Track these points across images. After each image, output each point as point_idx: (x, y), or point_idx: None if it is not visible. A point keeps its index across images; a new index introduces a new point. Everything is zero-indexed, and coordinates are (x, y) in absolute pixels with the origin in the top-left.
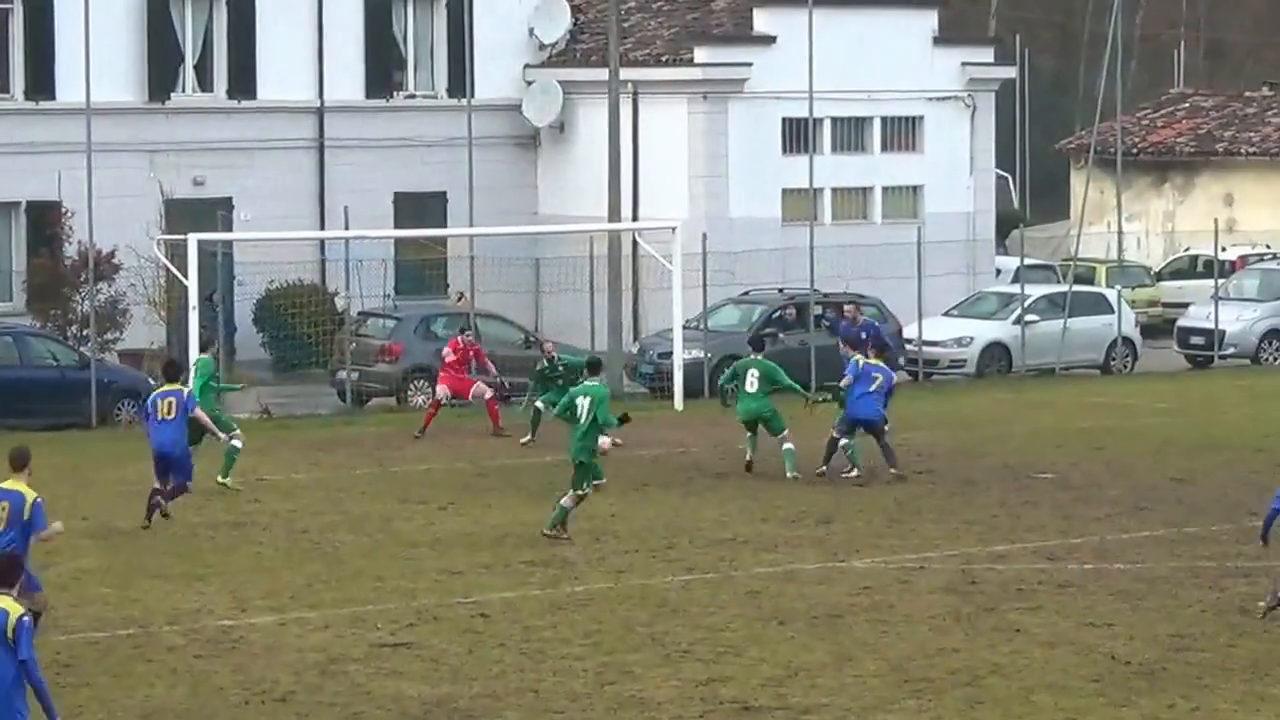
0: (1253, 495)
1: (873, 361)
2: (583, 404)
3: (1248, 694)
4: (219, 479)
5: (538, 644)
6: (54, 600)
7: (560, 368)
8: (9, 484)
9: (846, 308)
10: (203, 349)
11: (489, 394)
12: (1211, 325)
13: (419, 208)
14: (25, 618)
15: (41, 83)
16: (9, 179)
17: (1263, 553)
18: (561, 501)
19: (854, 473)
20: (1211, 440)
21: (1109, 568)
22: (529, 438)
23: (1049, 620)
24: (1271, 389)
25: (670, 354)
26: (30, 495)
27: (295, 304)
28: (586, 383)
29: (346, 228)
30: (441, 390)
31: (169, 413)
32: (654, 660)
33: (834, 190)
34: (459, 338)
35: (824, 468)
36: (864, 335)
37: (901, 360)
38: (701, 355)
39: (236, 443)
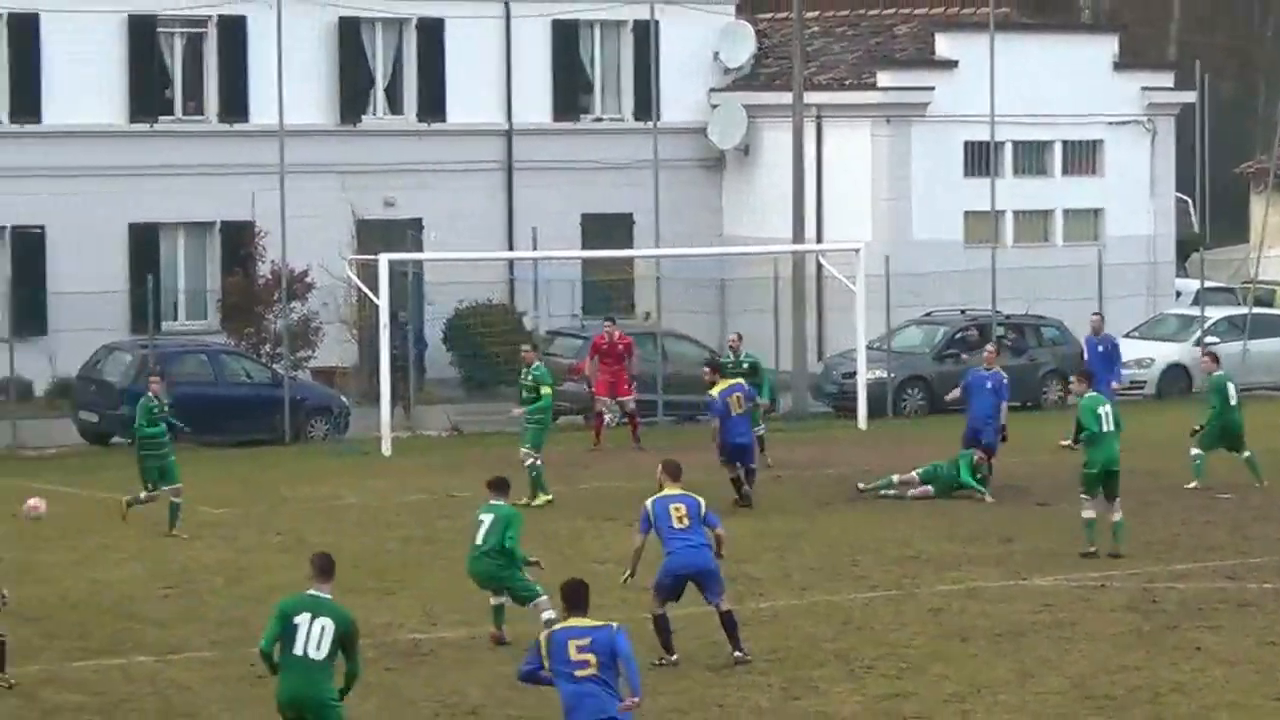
0: None
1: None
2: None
3: None
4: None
5: (723, 659)
6: (248, 615)
7: (531, 378)
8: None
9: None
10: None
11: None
12: None
13: (605, 229)
14: None
15: (235, 105)
16: (204, 200)
17: None
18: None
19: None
20: None
21: None
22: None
23: (1229, 639)
24: None
25: (854, 374)
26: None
27: (484, 323)
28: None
29: (534, 248)
30: (600, 402)
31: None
32: (838, 676)
33: (1015, 213)
34: (604, 332)
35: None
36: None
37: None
38: (885, 375)
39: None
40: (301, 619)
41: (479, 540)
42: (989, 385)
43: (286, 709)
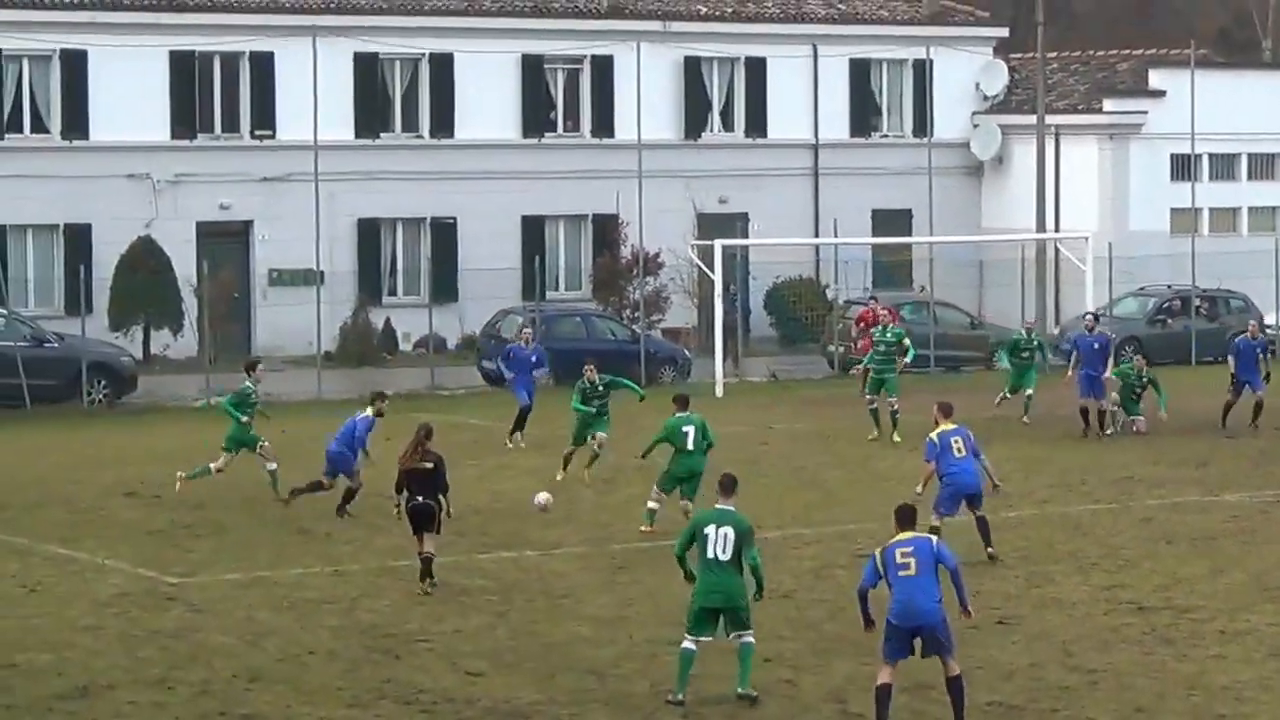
0: None
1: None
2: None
3: None
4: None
5: (979, 558)
6: (612, 519)
7: (600, 387)
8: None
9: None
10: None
11: None
12: None
13: (890, 221)
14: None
15: (604, 124)
16: (579, 198)
17: None
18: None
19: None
20: None
21: None
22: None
23: None
24: None
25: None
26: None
27: (796, 294)
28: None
29: (835, 236)
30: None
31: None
32: (1069, 570)
33: (1210, 209)
34: (867, 307)
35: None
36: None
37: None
38: (1109, 335)
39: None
40: (710, 529)
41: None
42: (1257, 350)
43: (704, 603)
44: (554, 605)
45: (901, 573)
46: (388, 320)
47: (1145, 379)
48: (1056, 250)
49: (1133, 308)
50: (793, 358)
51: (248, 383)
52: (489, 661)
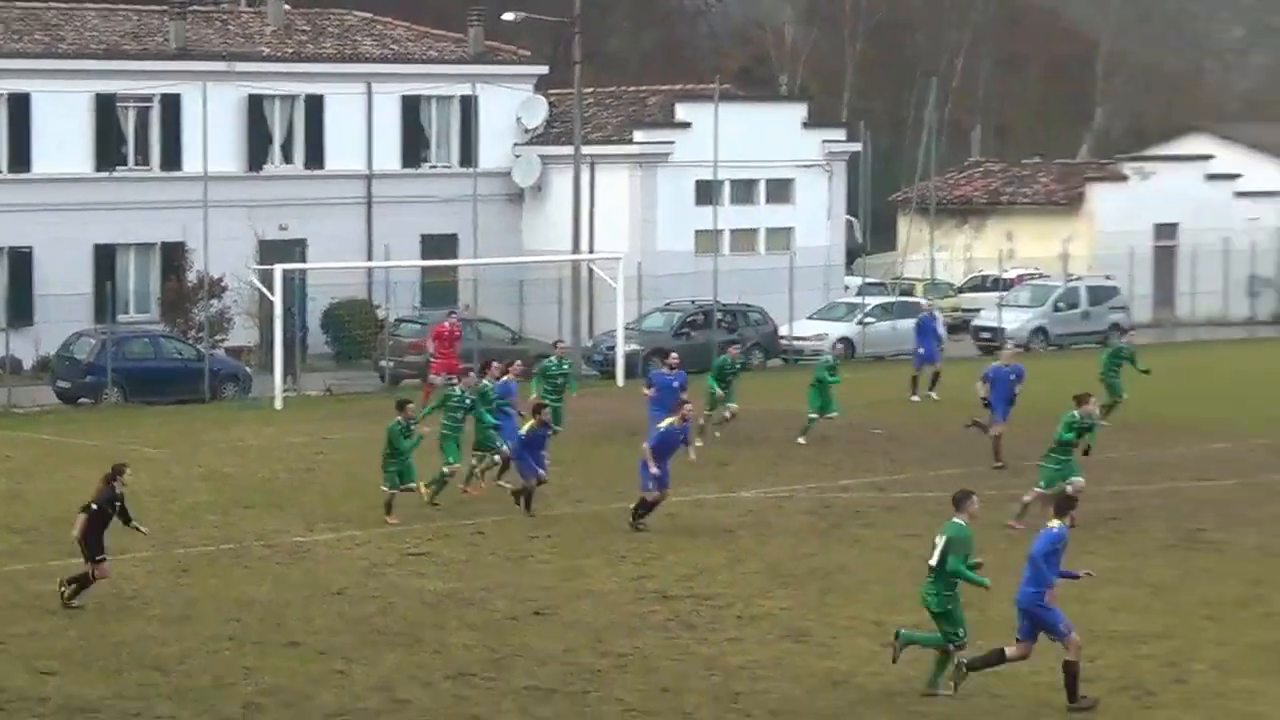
0: (1030, 447)
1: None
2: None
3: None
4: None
5: (520, 553)
6: (174, 526)
7: (566, 367)
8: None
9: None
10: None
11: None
12: (997, 324)
13: (438, 245)
14: None
15: (170, 158)
16: (148, 226)
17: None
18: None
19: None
20: None
21: (922, 495)
22: None
23: (879, 533)
24: (1037, 369)
25: (614, 346)
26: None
27: (350, 314)
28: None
29: (387, 259)
30: (434, 377)
31: None
32: (601, 564)
33: (731, 231)
34: (445, 322)
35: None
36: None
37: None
38: (637, 348)
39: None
40: (939, 537)
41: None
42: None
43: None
44: (123, 606)
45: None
46: None
47: (739, 366)
48: (590, 270)
49: (659, 322)
50: (347, 373)
51: None
52: (61, 660)
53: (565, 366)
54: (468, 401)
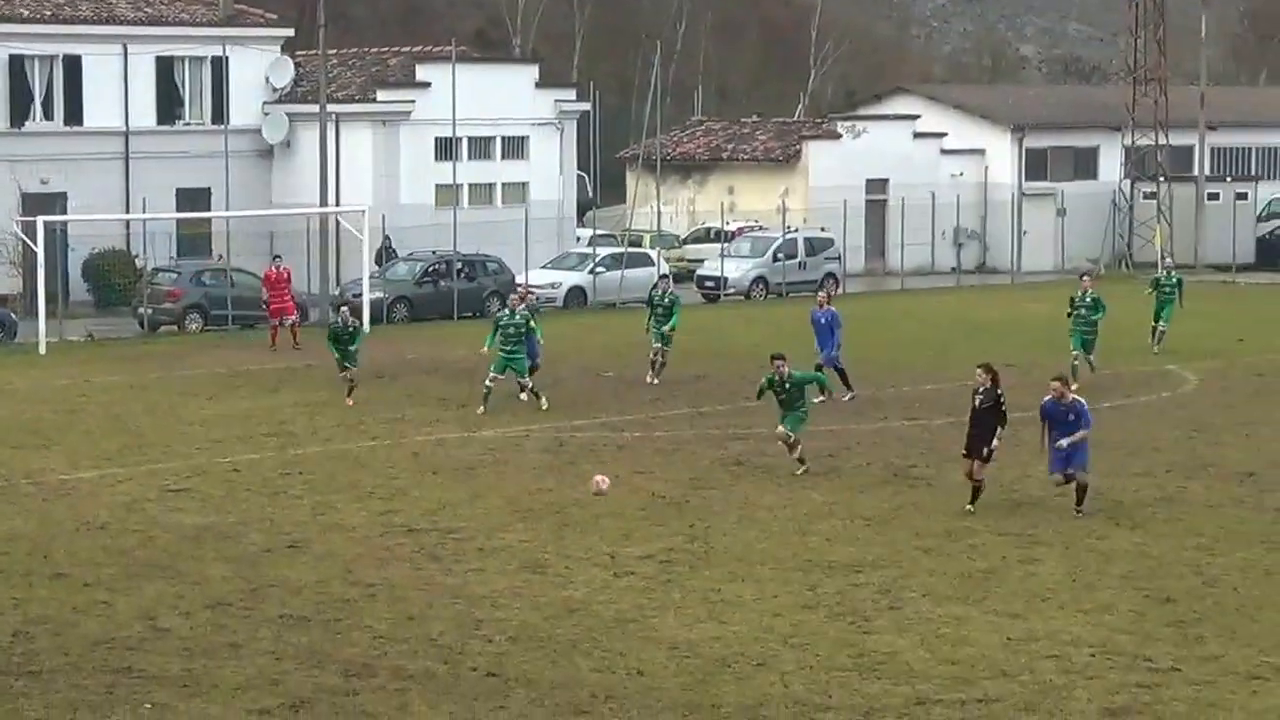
0: (747, 386)
1: None
2: None
3: (743, 517)
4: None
5: (274, 489)
6: None
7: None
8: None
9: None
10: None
11: (294, 317)
12: (719, 274)
13: (193, 198)
14: None
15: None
16: None
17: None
18: None
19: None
20: (717, 351)
21: (650, 434)
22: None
23: (610, 469)
24: (757, 315)
25: (360, 294)
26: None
27: (110, 263)
28: None
29: (144, 212)
30: (275, 319)
31: None
32: (350, 499)
33: (470, 185)
34: (271, 267)
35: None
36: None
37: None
38: (382, 295)
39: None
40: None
41: None
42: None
43: None
44: None
45: None
46: None
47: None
48: (337, 222)
49: (402, 271)
50: (108, 319)
51: None
52: None
53: (517, 317)
54: (519, 320)
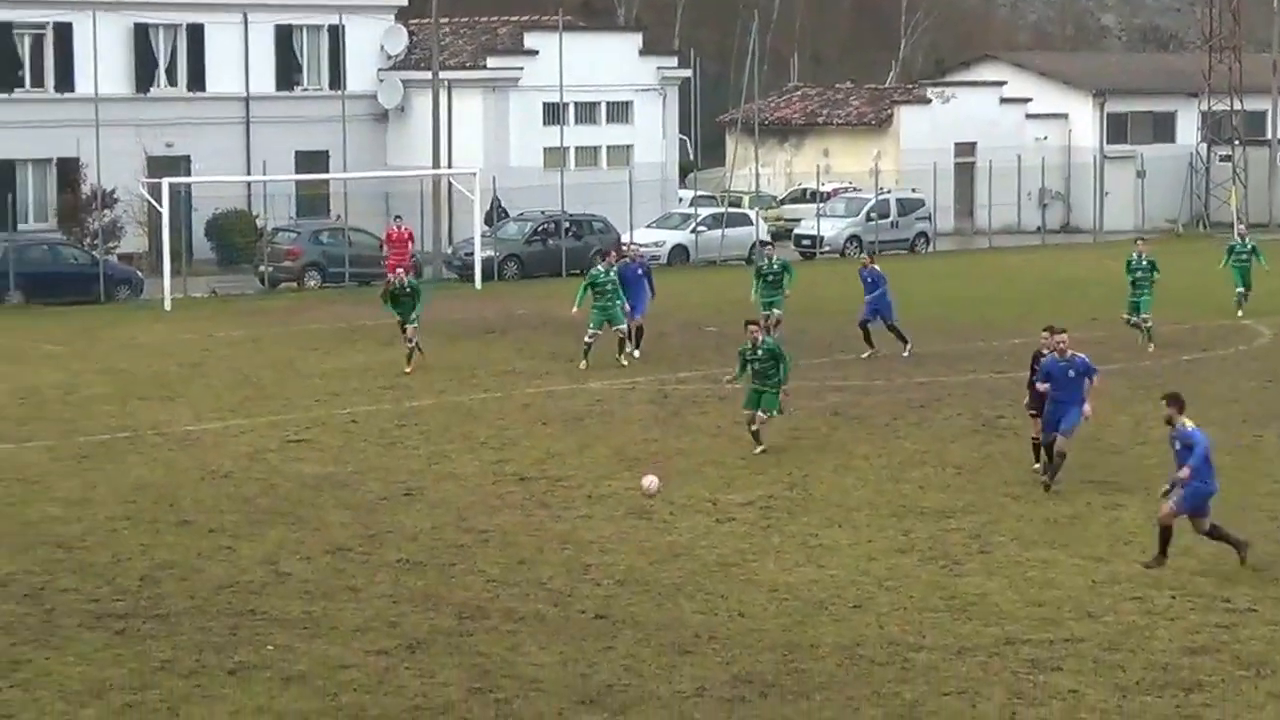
0: (842, 341)
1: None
2: None
3: (839, 465)
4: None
5: (390, 440)
6: (74, 417)
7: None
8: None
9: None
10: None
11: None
12: (815, 232)
13: (311, 161)
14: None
15: (65, 80)
16: (46, 144)
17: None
18: None
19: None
20: (814, 307)
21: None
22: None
23: (713, 421)
24: (852, 273)
25: (472, 253)
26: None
27: (232, 223)
28: None
29: (264, 174)
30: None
31: None
32: (462, 449)
33: (576, 148)
34: (393, 226)
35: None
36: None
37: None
38: (493, 254)
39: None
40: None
41: None
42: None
43: None
44: (28, 489)
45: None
46: None
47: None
48: (450, 184)
49: (512, 231)
50: (230, 277)
51: None
52: None
53: (612, 274)
54: (613, 277)
